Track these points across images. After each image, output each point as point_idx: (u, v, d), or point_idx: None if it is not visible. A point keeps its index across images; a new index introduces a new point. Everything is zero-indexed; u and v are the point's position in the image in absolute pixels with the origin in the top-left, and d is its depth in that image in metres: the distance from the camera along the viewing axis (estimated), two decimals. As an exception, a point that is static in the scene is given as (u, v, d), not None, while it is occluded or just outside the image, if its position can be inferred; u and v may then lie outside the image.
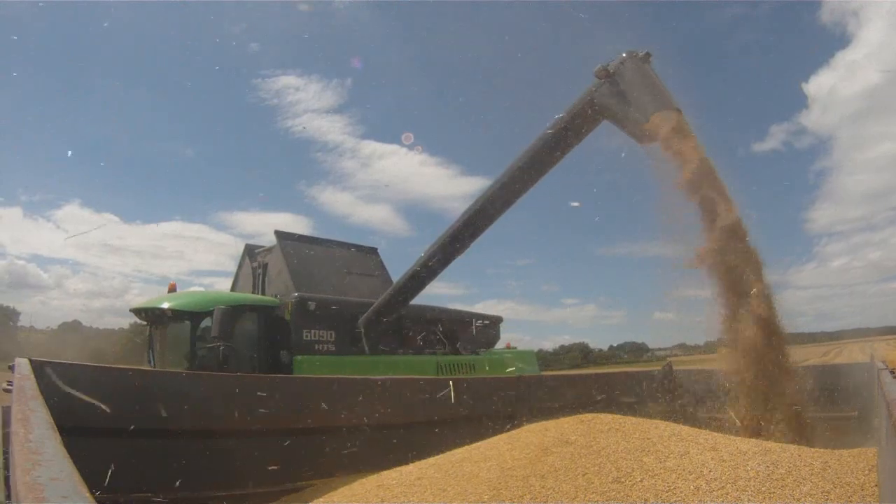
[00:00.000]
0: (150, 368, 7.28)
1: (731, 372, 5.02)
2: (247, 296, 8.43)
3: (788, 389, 4.81)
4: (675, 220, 5.51)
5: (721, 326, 5.22)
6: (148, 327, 7.81)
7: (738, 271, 5.11)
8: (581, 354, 50.75)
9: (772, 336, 4.94)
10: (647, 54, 6.18)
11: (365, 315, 8.09)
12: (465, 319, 9.75)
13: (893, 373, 3.57)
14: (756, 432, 4.43)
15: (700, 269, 5.28)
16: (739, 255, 5.14)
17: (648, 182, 6.11)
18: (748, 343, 4.89)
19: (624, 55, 6.20)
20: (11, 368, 3.50)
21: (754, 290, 5.02)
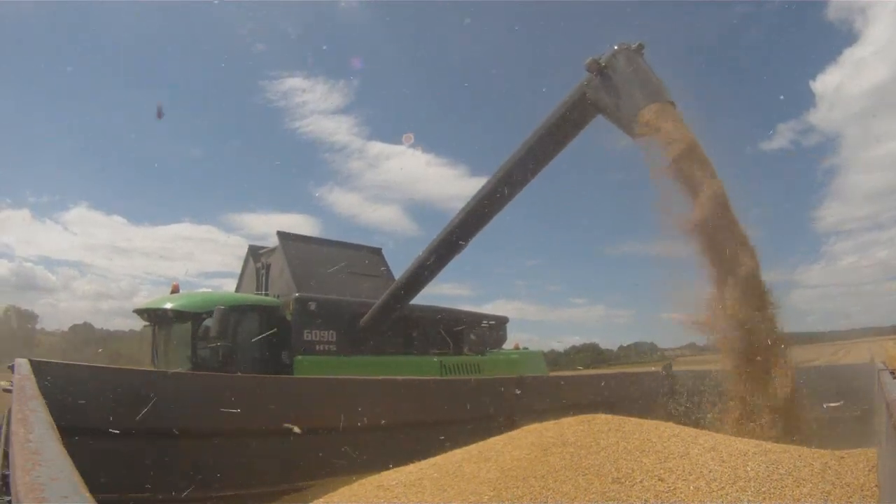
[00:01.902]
0: (149, 369, 7.29)
1: (727, 371, 4.99)
2: (247, 296, 8.46)
3: (785, 389, 4.78)
4: (671, 215, 5.41)
5: (710, 308, 5.08)
6: (152, 327, 7.84)
7: (725, 248, 4.94)
8: (593, 354, 50.41)
9: (766, 326, 4.87)
10: (640, 46, 6.00)
11: (366, 315, 8.09)
12: (470, 320, 9.70)
13: (893, 373, 3.57)
14: (752, 432, 4.40)
15: (687, 233, 5.09)
16: (725, 229, 4.97)
17: (647, 179, 5.97)
18: (737, 317, 4.78)
19: (616, 48, 6.04)
20: (11, 368, 3.51)
21: (743, 267, 4.86)
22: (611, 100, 5.95)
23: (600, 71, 6.04)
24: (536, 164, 6.97)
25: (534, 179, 7.20)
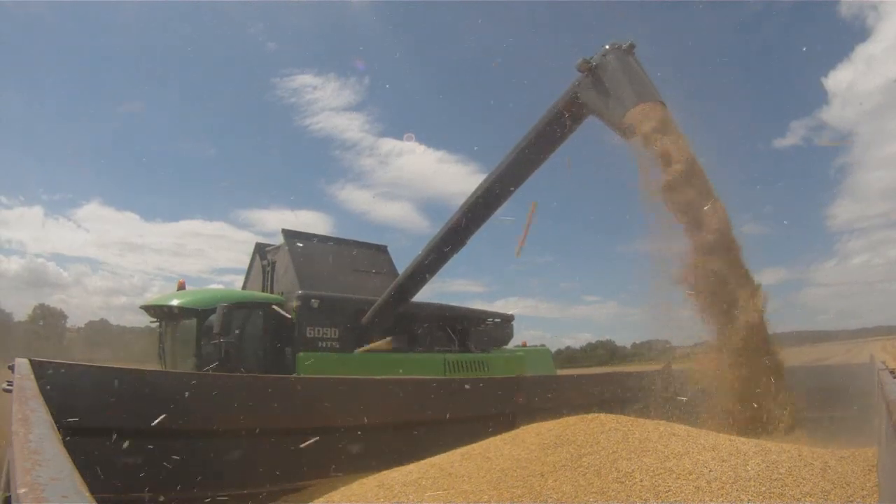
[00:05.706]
0: (149, 369, 7.29)
1: (711, 371, 5.02)
2: (251, 293, 8.49)
3: (777, 389, 4.80)
4: (657, 217, 5.37)
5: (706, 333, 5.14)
6: (158, 324, 7.86)
7: (726, 286, 4.95)
8: (609, 352, 50.11)
9: (760, 343, 4.90)
10: (631, 45, 5.99)
11: (368, 312, 8.10)
12: (476, 317, 9.69)
13: (893, 373, 3.57)
14: (745, 431, 4.41)
15: (687, 287, 5.11)
16: (728, 270, 4.97)
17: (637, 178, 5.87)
18: (735, 353, 4.82)
19: (607, 47, 6.02)
20: (11, 368, 3.51)
21: (749, 308, 4.88)
22: (601, 100, 5.93)
23: (591, 71, 6.03)
24: (531, 164, 6.99)
25: (530, 179, 7.22)
